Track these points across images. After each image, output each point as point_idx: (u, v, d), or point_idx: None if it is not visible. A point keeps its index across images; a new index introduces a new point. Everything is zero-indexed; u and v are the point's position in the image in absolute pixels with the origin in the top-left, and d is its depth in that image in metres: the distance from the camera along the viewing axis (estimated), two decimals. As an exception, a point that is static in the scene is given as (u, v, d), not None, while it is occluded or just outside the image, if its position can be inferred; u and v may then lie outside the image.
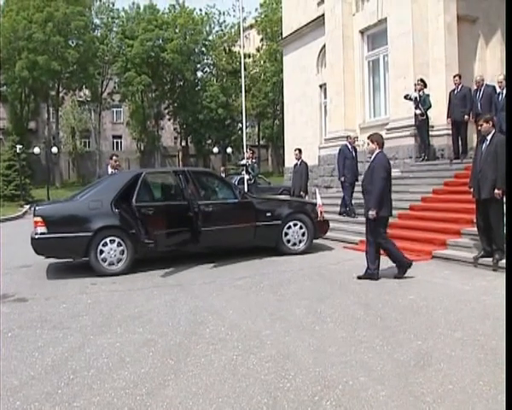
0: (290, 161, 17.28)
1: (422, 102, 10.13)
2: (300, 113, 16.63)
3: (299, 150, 10.46)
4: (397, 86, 11.12)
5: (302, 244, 7.49)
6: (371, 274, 5.43)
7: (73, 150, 38.79)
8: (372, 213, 5.25)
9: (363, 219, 8.40)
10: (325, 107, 15.22)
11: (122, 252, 6.32)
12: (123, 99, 36.42)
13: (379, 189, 5.22)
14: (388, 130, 11.38)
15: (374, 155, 5.42)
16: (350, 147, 9.53)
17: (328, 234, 8.06)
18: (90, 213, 6.25)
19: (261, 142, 41.31)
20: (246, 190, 9.72)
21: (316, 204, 7.59)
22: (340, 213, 9.37)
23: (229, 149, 33.72)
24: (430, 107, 10.22)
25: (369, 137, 5.52)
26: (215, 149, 33.84)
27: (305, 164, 10.42)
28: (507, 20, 3.95)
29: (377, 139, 5.45)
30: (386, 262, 5.66)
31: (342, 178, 9.31)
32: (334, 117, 13.44)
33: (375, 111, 12.97)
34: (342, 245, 8.00)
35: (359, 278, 5.47)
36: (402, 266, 5.50)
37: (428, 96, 10.22)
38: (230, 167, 36.57)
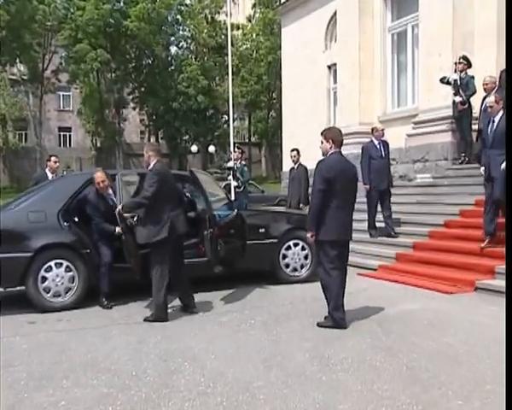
0: (289, 163, 17.39)
1: (465, 87, 10.10)
2: (303, 102, 16.78)
3: (297, 151, 10.56)
4: (429, 66, 11.21)
5: (304, 270, 7.55)
6: (335, 320, 5.22)
7: (4, 145, 38.20)
8: (308, 235, 5.26)
9: (388, 239, 8.78)
10: (335, 94, 15.41)
11: (72, 279, 6.32)
12: (72, 80, 36.45)
13: (314, 205, 5.17)
14: (416, 124, 11.51)
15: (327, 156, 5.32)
16: (376, 142, 9.29)
17: None
18: (29, 228, 6.23)
19: (253, 139, 41.67)
20: (233, 198, 9.68)
21: None
22: (370, 235, 9.23)
23: (211, 148, 34.05)
24: (475, 93, 10.04)
25: (322, 133, 5.39)
26: (193, 148, 34.15)
27: (305, 168, 10.50)
28: (507, 19, 4.16)
29: (332, 136, 5.31)
30: (410, 294, 5.68)
31: (367, 186, 9.02)
32: (347, 107, 13.61)
33: (400, 99, 13.16)
34: (356, 271, 8.06)
35: (318, 325, 5.30)
36: (332, 320, 5.24)
37: (473, 78, 10.10)
38: (213, 171, 36.51)
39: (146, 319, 5.67)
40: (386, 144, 9.32)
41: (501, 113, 7.00)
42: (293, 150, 10.77)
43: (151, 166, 5.86)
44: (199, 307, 6.19)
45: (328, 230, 5.12)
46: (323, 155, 5.36)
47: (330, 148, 5.26)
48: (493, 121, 7.11)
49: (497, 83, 9.15)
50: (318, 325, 5.27)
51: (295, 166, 10.43)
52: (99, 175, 6.57)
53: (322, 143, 5.36)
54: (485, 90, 8.84)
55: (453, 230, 8.30)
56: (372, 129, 9.62)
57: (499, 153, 6.67)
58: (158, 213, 5.60)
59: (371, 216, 9.26)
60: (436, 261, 7.57)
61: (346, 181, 5.16)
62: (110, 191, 6.64)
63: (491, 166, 7.03)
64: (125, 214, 5.89)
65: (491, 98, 7.29)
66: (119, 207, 5.88)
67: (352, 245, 8.74)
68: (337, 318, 5.20)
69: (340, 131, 5.55)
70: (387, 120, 12.57)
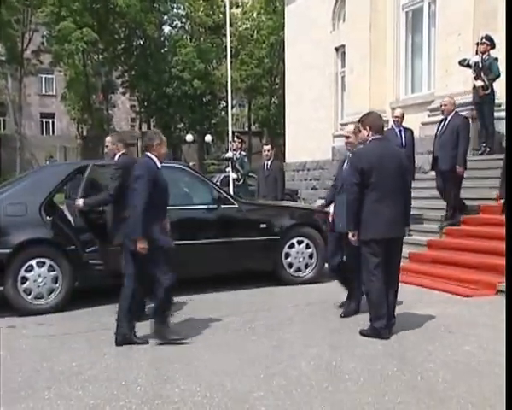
0: (294, 153, 17.48)
1: (487, 70, 10.02)
2: (308, 87, 16.76)
3: (272, 146, 10.44)
4: (448, 47, 11.14)
5: (309, 270, 7.58)
6: (375, 330, 5.14)
7: (-21, 132, 38.39)
8: (349, 236, 5.24)
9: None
10: (343, 78, 15.41)
11: (55, 279, 6.30)
12: (55, 62, 36.15)
13: (348, 201, 5.17)
14: (432, 111, 11.46)
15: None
16: (397, 130, 9.19)
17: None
18: (8, 222, 6.20)
19: (253, 127, 41.57)
20: (232, 193, 9.78)
21: (328, 212, 7.64)
22: None
23: (208, 137, 33.97)
24: (498, 76, 9.95)
25: (359, 121, 5.39)
26: (189, 137, 34.04)
27: (280, 164, 10.52)
28: (507, 19, 4.26)
29: (370, 122, 5.27)
30: (425, 298, 5.65)
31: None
32: (356, 93, 13.59)
33: (414, 84, 13.12)
34: None
35: (361, 333, 5.23)
36: (372, 329, 5.17)
37: (496, 60, 9.98)
38: (210, 162, 36.67)
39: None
40: (408, 132, 9.23)
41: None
42: (267, 144, 10.69)
43: (116, 158, 5.91)
44: (194, 309, 6.19)
45: (368, 228, 5.07)
46: (363, 145, 5.39)
47: (368, 135, 5.23)
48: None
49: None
50: (361, 333, 5.19)
51: (268, 163, 10.07)
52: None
53: (360, 131, 5.38)
54: (442, 112, 8.72)
55: (472, 227, 8.29)
56: (395, 118, 9.48)
57: None
58: (125, 209, 5.49)
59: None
60: (453, 261, 7.56)
61: (388, 170, 5.04)
62: None
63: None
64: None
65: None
66: (80, 202, 5.98)
67: None
68: (377, 327, 5.10)
69: (380, 115, 5.57)
70: (400, 106, 12.32)
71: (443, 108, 8.58)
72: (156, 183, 4.98)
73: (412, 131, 9.34)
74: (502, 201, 7.04)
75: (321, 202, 7.83)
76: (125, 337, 5.02)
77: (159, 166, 5.11)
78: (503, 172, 6.68)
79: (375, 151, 5.13)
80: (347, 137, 5.78)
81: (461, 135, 8.29)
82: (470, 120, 10.58)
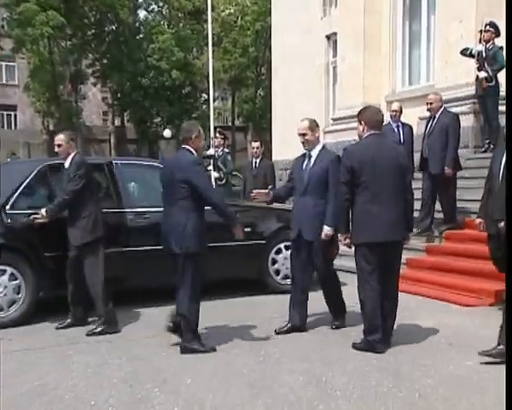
0: (282, 150, 17.43)
1: (491, 60, 10.05)
2: (297, 78, 16.77)
3: (261, 142, 10.44)
4: (449, 35, 11.19)
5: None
6: (369, 343, 5.18)
7: None
8: (341, 238, 5.47)
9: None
10: (335, 69, 15.46)
11: (17, 289, 6.24)
12: (18, 48, 35.66)
13: (338, 201, 5.40)
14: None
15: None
16: (394, 125, 9.27)
17: (338, 262, 8.04)
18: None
19: (237, 122, 41.57)
20: None
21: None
22: None
23: (188, 133, 33.85)
24: (503, 67, 9.84)
25: (357, 116, 5.49)
26: (166, 133, 33.79)
27: (270, 162, 10.62)
28: (507, 19, 4.53)
29: (365, 117, 5.36)
30: (423, 307, 5.66)
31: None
32: (349, 85, 13.63)
33: (412, 76, 13.19)
34: None
35: (354, 347, 5.28)
36: (366, 343, 5.21)
37: (501, 49, 9.89)
38: (190, 160, 36.38)
39: (92, 333, 5.84)
40: (407, 128, 9.28)
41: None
42: (255, 141, 10.68)
43: (70, 157, 6.10)
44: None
45: (359, 230, 5.12)
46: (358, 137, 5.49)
47: (364, 130, 5.28)
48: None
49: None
50: (354, 346, 5.22)
51: (257, 161, 10.19)
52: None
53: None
54: (429, 110, 8.76)
55: (474, 231, 8.29)
56: (392, 112, 9.51)
57: None
58: (86, 209, 5.96)
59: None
60: (453, 268, 7.63)
61: (382, 169, 5.07)
62: None
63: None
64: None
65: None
66: (43, 211, 5.96)
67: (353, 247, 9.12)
68: (371, 340, 5.12)
69: (379, 110, 5.65)
70: (397, 100, 12.33)
71: (429, 106, 8.64)
72: None
73: (411, 127, 9.40)
74: None
75: None
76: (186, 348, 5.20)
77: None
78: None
79: (368, 148, 5.16)
80: (303, 134, 5.78)
81: (450, 134, 8.36)
82: (473, 114, 10.70)
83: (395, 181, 5.12)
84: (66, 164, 6.12)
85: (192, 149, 5.28)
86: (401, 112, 9.35)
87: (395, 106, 9.54)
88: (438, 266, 7.89)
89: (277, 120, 18.04)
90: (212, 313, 6.52)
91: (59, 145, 6.17)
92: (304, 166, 5.81)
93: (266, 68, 33.71)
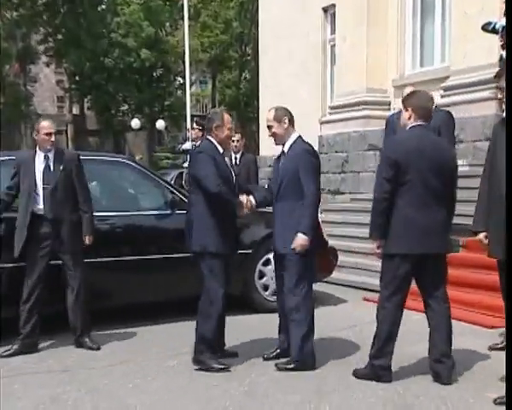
0: (270, 144, 17.15)
1: None
2: (289, 59, 16.75)
3: (241, 135, 10.49)
4: (467, 7, 11.06)
5: (290, 293, 7.55)
6: (375, 369, 5.13)
7: None
8: (373, 245, 5.26)
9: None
10: (333, 48, 15.38)
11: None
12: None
13: (376, 201, 5.11)
14: (447, 90, 11.54)
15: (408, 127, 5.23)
16: None
17: (338, 275, 8.19)
18: None
19: (218, 110, 41.37)
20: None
21: None
22: None
23: (160, 123, 33.39)
24: None
25: (402, 101, 5.38)
26: (135, 123, 33.38)
27: (253, 158, 10.69)
28: (507, 19, 4.80)
29: (413, 103, 5.20)
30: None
31: None
32: (350, 67, 13.55)
33: (424, 56, 13.15)
34: (361, 295, 8.29)
35: (355, 375, 5.24)
36: (371, 368, 5.18)
37: None
38: (163, 155, 36.43)
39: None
40: None
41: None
42: (235, 133, 10.59)
43: None
44: (137, 346, 6.22)
45: (394, 238, 4.99)
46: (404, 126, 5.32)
47: (409, 119, 5.14)
48: None
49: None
50: (355, 374, 5.21)
51: (237, 157, 10.25)
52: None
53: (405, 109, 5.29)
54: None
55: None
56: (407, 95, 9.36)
57: None
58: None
59: None
60: (473, 282, 7.56)
61: (428, 166, 4.93)
62: None
63: None
64: None
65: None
66: None
67: (353, 258, 9.37)
68: (377, 364, 5.08)
69: (431, 97, 5.46)
70: (406, 84, 12.11)
71: None
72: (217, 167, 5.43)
73: None
74: None
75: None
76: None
77: (220, 151, 5.55)
78: None
79: (414, 142, 5.02)
80: (269, 127, 5.69)
81: (443, 135, 8.10)
82: (496, 100, 10.56)
83: (443, 184, 5.01)
84: None
85: (214, 141, 5.51)
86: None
87: (408, 91, 9.26)
88: (455, 279, 7.65)
89: (265, 108, 17.38)
90: (187, 335, 6.33)
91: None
92: (280, 164, 5.76)
93: (252, 47, 33.65)
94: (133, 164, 7.68)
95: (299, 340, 5.34)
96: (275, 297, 7.26)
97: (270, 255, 7.36)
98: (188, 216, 5.62)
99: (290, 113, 5.65)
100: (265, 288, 7.58)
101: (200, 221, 5.44)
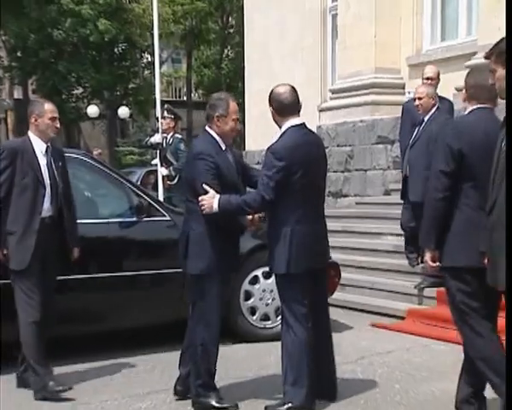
0: (258, 136, 18.19)
1: None
2: (280, 32, 16.82)
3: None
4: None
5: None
6: None
7: None
8: (426, 258, 4.92)
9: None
10: (334, 18, 15.37)
11: None
12: None
13: (431, 202, 4.81)
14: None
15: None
16: None
17: (342, 295, 8.23)
18: None
19: (194, 95, 41.72)
20: (161, 197, 9.99)
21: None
22: (408, 260, 8.93)
23: (123, 111, 33.24)
24: None
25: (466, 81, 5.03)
26: (92, 110, 33.09)
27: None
28: (507, 19, 4.69)
29: (473, 83, 4.87)
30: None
31: (406, 170, 8.67)
32: (355, 42, 13.51)
33: (446, 28, 13.26)
34: (367, 319, 8.38)
35: None
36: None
37: None
38: (127, 150, 36.28)
39: None
40: (446, 105, 8.92)
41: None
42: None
43: None
44: (104, 384, 6.18)
45: (458, 247, 4.64)
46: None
47: (466, 100, 4.89)
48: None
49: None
50: None
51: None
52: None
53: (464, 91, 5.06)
54: (417, 107, 8.45)
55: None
56: (426, 79, 9.14)
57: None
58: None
59: (414, 227, 8.67)
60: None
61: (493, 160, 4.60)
62: None
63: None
64: None
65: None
66: None
67: (359, 275, 9.58)
68: None
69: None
70: (423, 62, 12.22)
71: (417, 102, 8.30)
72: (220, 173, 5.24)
73: (451, 104, 9.11)
74: None
75: None
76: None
77: (222, 147, 5.34)
78: None
79: (477, 127, 4.70)
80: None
81: None
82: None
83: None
84: None
85: (215, 134, 5.32)
86: (439, 80, 9.06)
87: (430, 71, 9.15)
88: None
89: (252, 94, 17.89)
90: (162, 371, 6.47)
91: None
92: None
93: (236, 18, 33.41)
94: (89, 161, 7.62)
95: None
96: (264, 323, 7.51)
97: (259, 271, 7.40)
98: (183, 227, 5.48)
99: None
100: (252, 312, 7.43)
101: (200, 237, 5.28)
